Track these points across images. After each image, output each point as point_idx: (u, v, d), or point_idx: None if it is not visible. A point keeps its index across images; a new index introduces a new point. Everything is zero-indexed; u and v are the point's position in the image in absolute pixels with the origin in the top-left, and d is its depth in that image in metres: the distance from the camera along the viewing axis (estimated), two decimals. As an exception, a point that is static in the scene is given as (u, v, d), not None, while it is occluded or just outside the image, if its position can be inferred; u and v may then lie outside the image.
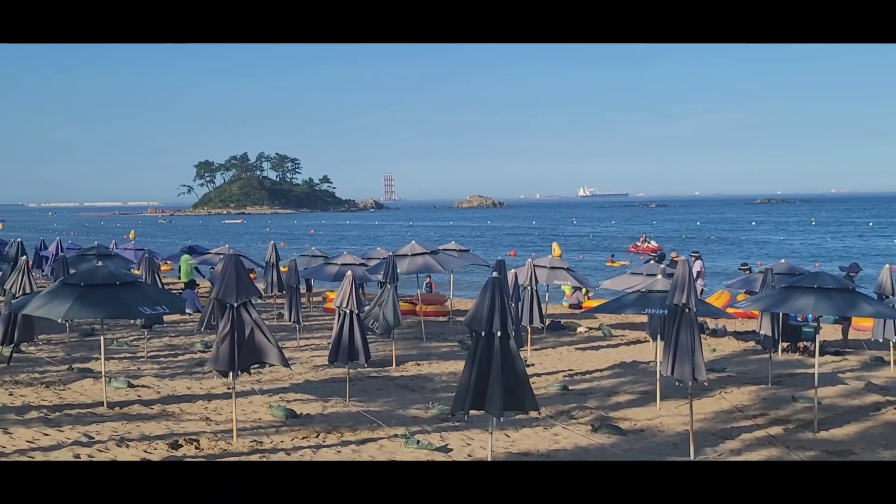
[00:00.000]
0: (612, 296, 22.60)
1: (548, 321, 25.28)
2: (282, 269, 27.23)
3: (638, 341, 24.63)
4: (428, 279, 32.48)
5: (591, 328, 27.09)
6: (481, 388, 10.27)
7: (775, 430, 14.52)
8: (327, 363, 17.60)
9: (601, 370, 20.17)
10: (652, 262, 29.48)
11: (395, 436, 13.49)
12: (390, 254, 24.58)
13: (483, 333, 10.19)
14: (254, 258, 33.92)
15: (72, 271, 20.61)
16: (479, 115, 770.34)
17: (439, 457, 12.55)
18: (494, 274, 10.64)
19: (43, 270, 37.27)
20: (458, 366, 18.66)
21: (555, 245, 40.60)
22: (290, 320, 22.98)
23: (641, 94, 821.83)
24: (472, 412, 10.51)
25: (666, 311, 13.25)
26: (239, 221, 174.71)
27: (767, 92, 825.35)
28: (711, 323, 25.90)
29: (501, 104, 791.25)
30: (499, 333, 10.13)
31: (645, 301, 16.49)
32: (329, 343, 16.97)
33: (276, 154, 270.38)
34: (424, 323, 25.63)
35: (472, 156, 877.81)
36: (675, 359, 12.29)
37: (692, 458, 12.44)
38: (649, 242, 65.36)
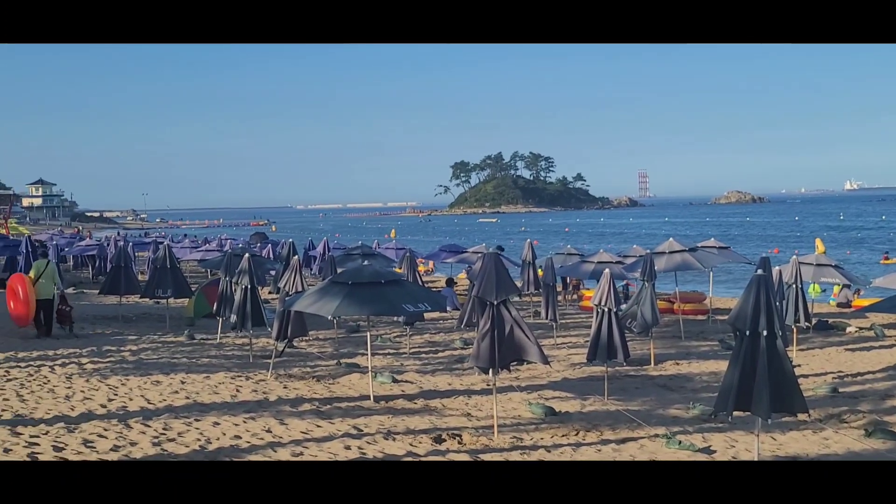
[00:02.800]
0: (886, 294, 21.42)
1: (814, 320, 24.20)
2: (538, 272, 26.98)
3: (915, 342, 23.19)
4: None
5: (861, 328, 25.72)
6: (746, 388, 9.98)
7: None
8: (585, 361, 17.59)
9: (874, 372, 19.11)
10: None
11: (656, 436, 13.29)
12: (647, 251, 24.27)
13: (748, 332, 9.90)
14: (510, 257, 34.27)
15: (338, 270, 21.51)
16: (733, 107, 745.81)
17: (702, 458, 12.27)
18: (759, 271, 10.26)
19: (311, 269, 39.25)
20: (719, 365, 18.23)
21: (818, 241, 38.97)
22: (546, 318, 23.11)
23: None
24: (735, 413, 10.24)
25: (948, 311, 12.40)
26: (494, 220, 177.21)
27: None
28: None
29: (759, 95, 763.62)
30: (765, 332, 9.81)
31: (924, 300, 15.51)
32: (586, 341, 16.94)
33: (530, 153, 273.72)
34: (683, 321, 25.15)
35: (729, 149, 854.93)
36: (959, 361, 11.47)
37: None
38: None
